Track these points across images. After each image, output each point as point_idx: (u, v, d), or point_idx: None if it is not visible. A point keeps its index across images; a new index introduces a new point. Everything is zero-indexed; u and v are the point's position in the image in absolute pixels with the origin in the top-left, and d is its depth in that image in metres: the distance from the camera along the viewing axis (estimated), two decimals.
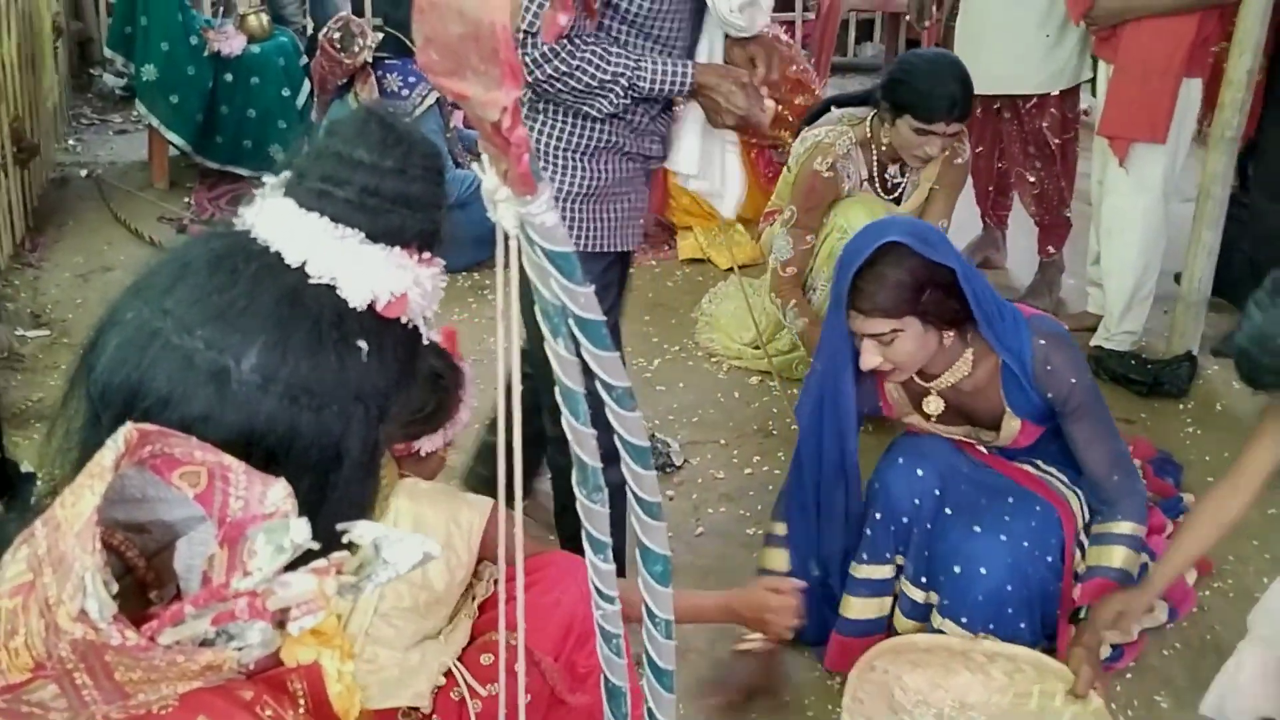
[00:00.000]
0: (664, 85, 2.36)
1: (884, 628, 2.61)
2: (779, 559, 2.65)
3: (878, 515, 2.58)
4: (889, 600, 2.63)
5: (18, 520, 0.89)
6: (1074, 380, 2.49)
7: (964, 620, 2.48)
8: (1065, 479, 2.65)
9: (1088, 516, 2.62)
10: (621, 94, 2.33)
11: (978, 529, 2.50)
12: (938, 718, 2.44)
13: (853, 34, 7.71)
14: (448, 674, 2.05)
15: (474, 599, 2.16)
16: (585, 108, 2.36)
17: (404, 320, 1.01)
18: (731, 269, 3.92)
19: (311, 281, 0.96)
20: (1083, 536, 2.60)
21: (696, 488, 3.38)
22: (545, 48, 2.25)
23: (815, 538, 2.63)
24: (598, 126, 2.40)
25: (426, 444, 2.11)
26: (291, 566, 0.83)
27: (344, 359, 0.96)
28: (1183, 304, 3.90)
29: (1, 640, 0.82)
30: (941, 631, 2.52)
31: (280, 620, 0.82)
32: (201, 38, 5.23)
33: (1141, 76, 3.67)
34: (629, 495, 0.96)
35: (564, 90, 2.32)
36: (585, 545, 0.99)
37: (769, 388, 3.83)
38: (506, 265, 0.89)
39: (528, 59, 2.27)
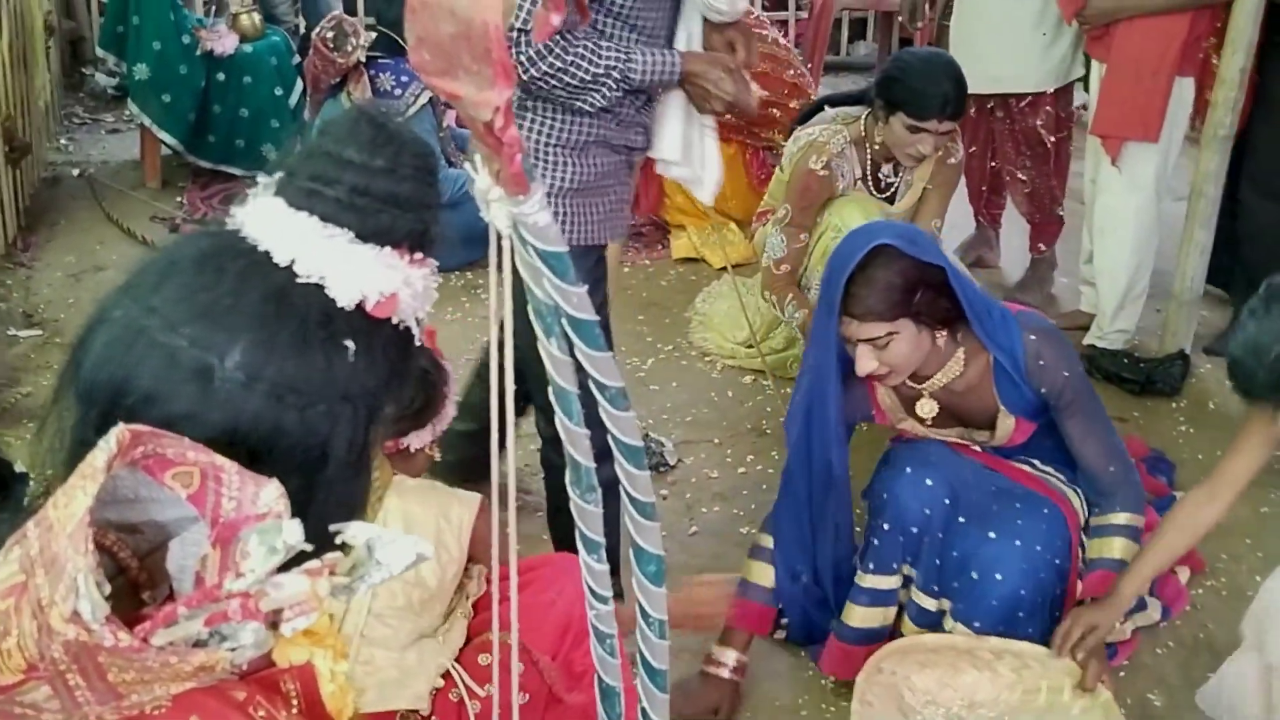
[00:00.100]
0: (655, 75, 2.39)
1: (887, 635, 2.60)
2: (763, 573, 2.65)
3: (885, 526, 2.56)
4: (893, 610, 2.62)
5: (10, 521, 0.89)
6: (1066, 374, 2.50)
7: (976, 625, 2.48)
8: (1063, 477, 2.65)
9: (1086, 513, 2.62)
10: (614, 87, 2.35)
11: (993, 535, 2.50)
12: (947, 717, 2.44)
13: (845, 33, 7.72)
14: (445, 675, 2.05)
15: (468, 598, 2.16)
16: (579, 103, 2.37)
17: (395, 321, 1.00)
18: (725, 268, 3.92)
19: (300, 280, 0.96)
20: (1083, 535, 2.61)
21: (690, 487, 3.38)
22: (539, 45, 2.27)
23: (810, 547, 2.62)
24: (586, 121, 2.41)
25: (415, 440, 2.12)
26: (285, 567, 0.83)
27: (331, 358, 0.96)
28: (1175, 303, 3.91)
29: None
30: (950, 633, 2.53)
31: (273, 621, 0.82)
32: (194, 37, 5.22)
33: (1134, 75, 3.67)
34: (623, 495, 0.96)
35: (558, 87, 2.33)
36: (579, 545, 0.99)
37: (762, 387, 3.83)
38: (500, 266, 0.89)
39: (522, 57, 2.28)
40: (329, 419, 0.96)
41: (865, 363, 2.41)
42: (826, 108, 3.77)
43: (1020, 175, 4.35)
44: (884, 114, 3.40)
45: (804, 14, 6.92)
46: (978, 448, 2.68)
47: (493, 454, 1.03)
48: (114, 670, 0.81)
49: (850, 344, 2.43)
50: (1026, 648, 2.45)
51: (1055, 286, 4.49)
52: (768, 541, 2.66)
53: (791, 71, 4.81)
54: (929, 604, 2.58)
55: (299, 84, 5.35)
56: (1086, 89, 4.20)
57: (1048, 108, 4.21)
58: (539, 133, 2.42)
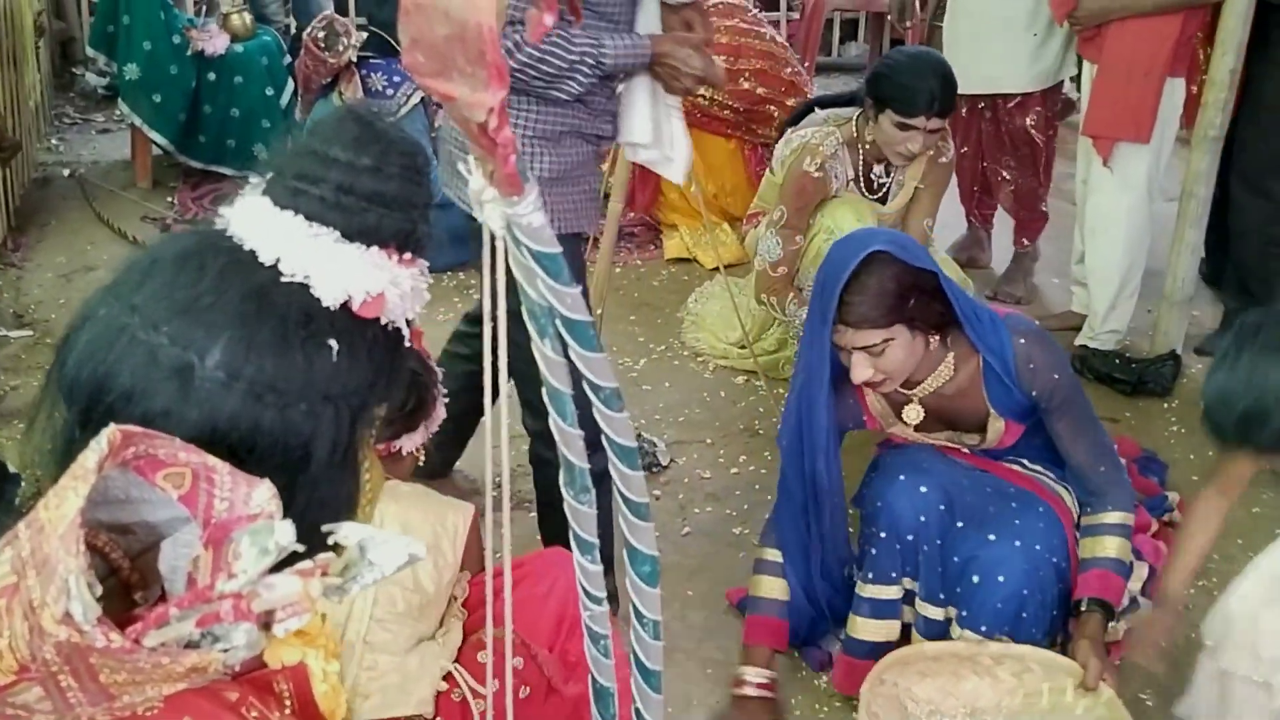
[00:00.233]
0: (627, 60, 2.45)
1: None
2: (773, 587, 2.63)
3: (881, 534, 2.55)
4: (896, 625, 2.61)
5: (1, 522, 0.89)
6: (1057, 376, 2.50)
7: (983, 629, 2.48)
8: (1052, 475, 2.66)
9: (1077, 511, 2.63)
10: (588, 73, 2.40)
11: (992, 537, 2.50)
12: None
13: (837, 34, 7.72)
14: (447, 677, 2.05)
15: (456, 599, 2.16)
16: (554, 92, 2.42)
17: (383, 321, 1.00)
18: (717, 269, 3.92)
19: (283, 279, 0.96)
20: (1076, 532, 2.61)
21: (683, 487, 3.38)
22: (516, 36, 2.32)
23: (820, 554, 2.62)
24: (559, 111, 2.46)
25: (406, 443, 2.11)
26: (278, 568, 0.83)
27: (312, 358, 0.95)
28: (1166, 303, 3.92)
29: None
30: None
31: (265, 622, 0.82)
32: (184, 37, 5.21)
33: (1126, 76, 3.68)
34: (616, 496, 0.96)
35: (536, 77, 2.38)
36: (573, 546, 0.99)
37: (755, 387, 3.84)
38: (494, 266, 0.89)
39: (501, 48, 2.30)
40: (310, 418, 0.96)
41: (861, 371, 2.41)
42: (817, 109, 3.78)
43: (1005, 173, 4.38)
44: (874, 112, 3.41)
45: (795, 15, 6.93)
46: (967, 450, 2.68)
47: (487, 454, 1.03)
48: (106, 671, 0.81)
49: (845, 352, 2.43)
50: (1029, 651, 2.45)
51: (1047, 288, 4.51)
52: (773, 555, 2.64)
53: (789, 70, 4.82)
54: (935, 613, 2.57)
55: (290, 84, 5.34)
56: (1079, 88, 4.22)
57: (1037, 107, 4.23)
58: (514, 124, 2.44)
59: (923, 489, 2.53)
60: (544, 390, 0.95)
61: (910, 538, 2.53)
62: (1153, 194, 3.86)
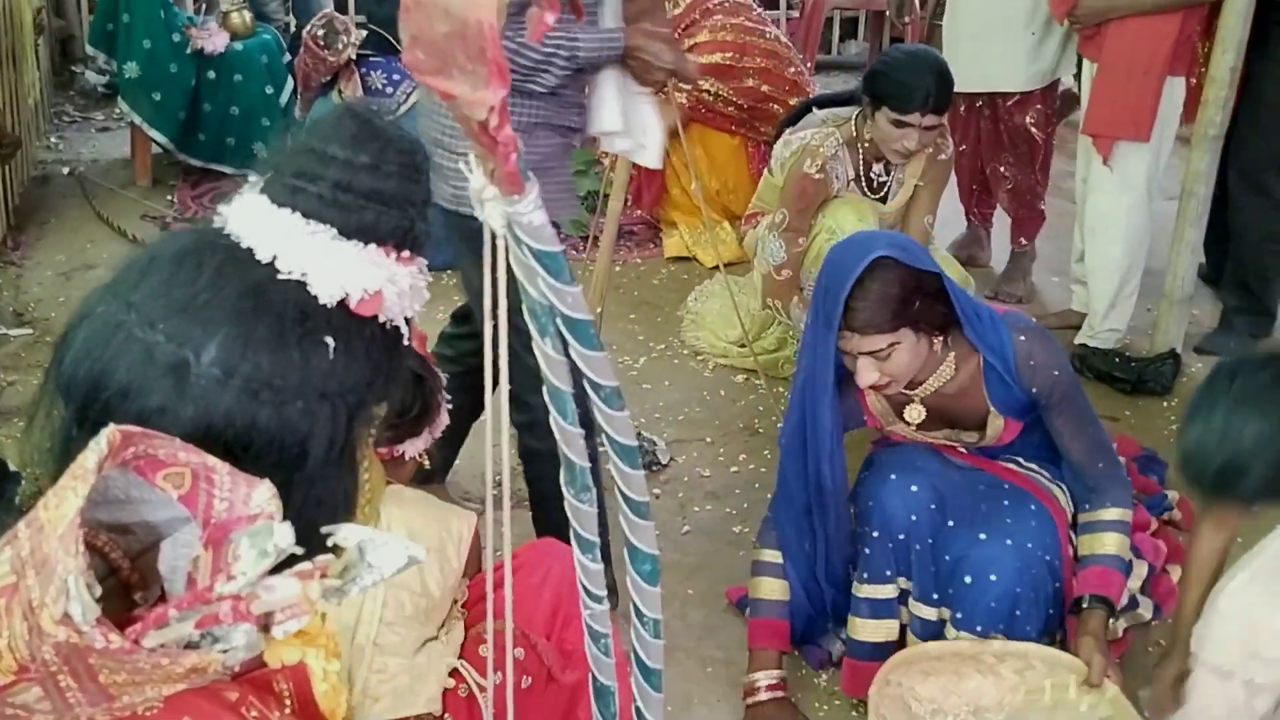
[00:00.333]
0: (600, 52, 2.48)
1: (894, 652, 2.59)
2: (773, 588, 2.62)
3: (874, 534, 2.55)
4: (895, 625, 2.61)
5: (1, 520, 0.88)
6: (1057, 373, 2.50)
7: (978, 629, 2.48)
8: (1047, 474, 2.65)
9: (1073, 510, 2.62)
10: (563, 66, 2.44)
11: (983, 536, 2.49)
12: None
13: (836, 32, 7.72)
14: (453, 674, 2.06)
15: (457, 602, 2.16)
16: (530, 84, 2.45)
17: (381, 319, 1.00)
18: (717, 267, 3.92)
19: (280, 277, 0.95)
20: (1071, 532, 2.61)
21: (683, 486, 3.38)
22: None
23: (811, 555, 2.62)
24: (532, 103, 2.48)
25: (410, 448, 2.11)
26: (278, 568, 0.83)
27: (308, 355, 0.95)
28: (1166, 302, 3.92)
29: None
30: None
31: (265, 624, 0.82)
32: (184, 35, 5.20)
33: (1125, 75, 3.68)
34: (617, 495, 0.96)
35: (513, 70, 2.38)
36: (573, 545, 0.99)
37: (755, 386, 3.83)
38: (494, 265, 0.89)
39: None
40: (307, 416, 0.95)
41: (867, 375, 2.40)
42: (815, 109, 3.78)
43: (1004, 171, 4.38)
44: (871, 110, 3.42)
45: (795, 13, 6.92)
46: (963, 449, 2.68)
47: (488, 453, 1.03)
48: (105, 672, 0.81)
49: (850, 357, 2.42)
50: (1031, 648, 2.45)
51: (1047, 286, 4.51)
52: (772, 555, 2.64)
53: (792, 69, 4.82)
54: (929, 614, 2.56)
55: (290, 82, 5.33)
56: (1079, 85, 4.22)
57: (1037, 105, 4.23)
58: None
59: (914, 488, 2.53)
60: (544, 388, 0.94)
61: (902, 536, 2.54)
62: (1152, 193, 3.86)
